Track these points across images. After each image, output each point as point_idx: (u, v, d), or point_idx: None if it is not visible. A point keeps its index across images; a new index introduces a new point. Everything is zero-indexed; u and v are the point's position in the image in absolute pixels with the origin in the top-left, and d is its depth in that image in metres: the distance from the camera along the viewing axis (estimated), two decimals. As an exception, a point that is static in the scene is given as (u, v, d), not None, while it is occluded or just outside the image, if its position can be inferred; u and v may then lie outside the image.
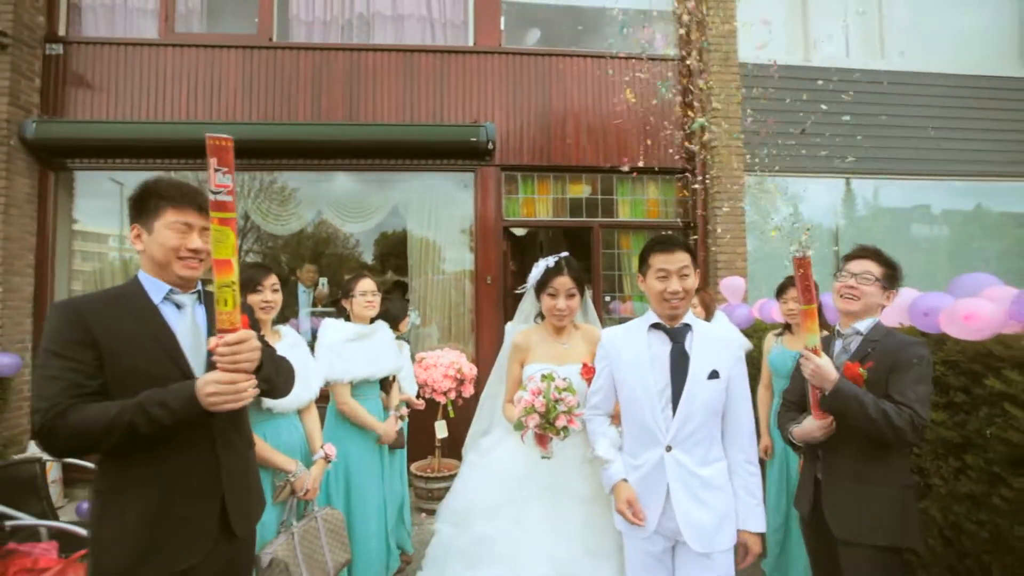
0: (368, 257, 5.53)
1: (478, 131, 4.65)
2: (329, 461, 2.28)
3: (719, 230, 4.95)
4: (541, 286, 2.15)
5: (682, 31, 5.22)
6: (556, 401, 1.80)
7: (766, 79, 5.11)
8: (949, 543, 2.15)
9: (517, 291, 2.42)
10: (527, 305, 2.34)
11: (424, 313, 5.07)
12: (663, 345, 1.74)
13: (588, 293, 2.33)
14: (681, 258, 1.72)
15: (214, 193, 1.20)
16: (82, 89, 4.70)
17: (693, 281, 1.73)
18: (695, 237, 5.12)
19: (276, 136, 4.61)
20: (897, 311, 2.36)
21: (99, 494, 1.33)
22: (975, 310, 2.00)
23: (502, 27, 5.16)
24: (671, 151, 5.12)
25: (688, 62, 5.17)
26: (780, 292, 2.94)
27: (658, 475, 1.69)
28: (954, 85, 5.69)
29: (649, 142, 5.09)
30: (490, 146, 4.73)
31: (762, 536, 1.73)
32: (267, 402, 2.05)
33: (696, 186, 5.04)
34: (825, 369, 1.68)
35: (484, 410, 2.41)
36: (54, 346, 1.27)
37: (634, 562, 1.77)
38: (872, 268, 1.81)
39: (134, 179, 4.68)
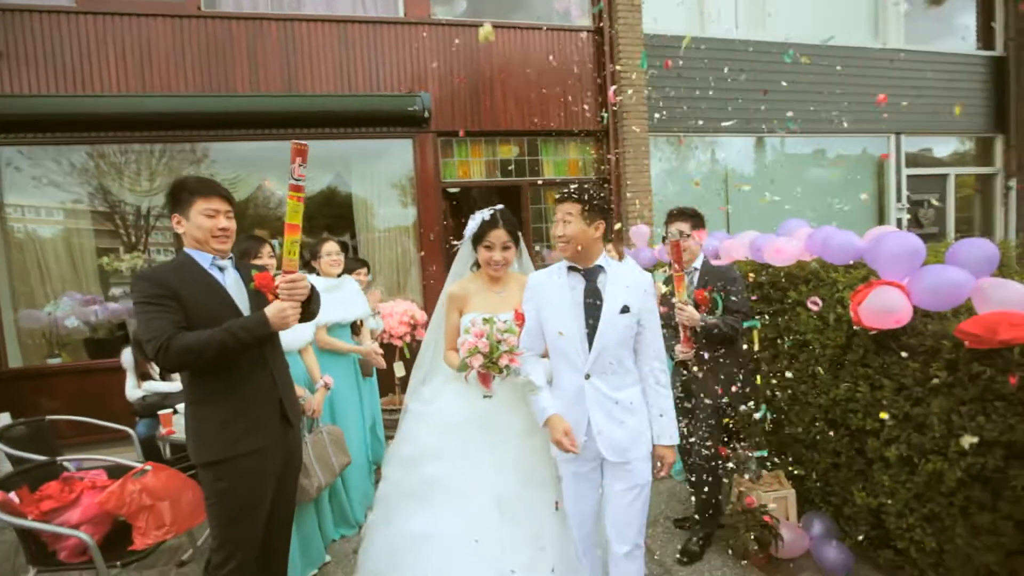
0: (317, 220, 5.87)
1: (414, 100, 5.07)
2: (328, 389, 2.89)
3: (628, 182, 5.78)
4: (477, 238, 2.20)
5: (594, 10, 5.78)
6: (498, 342, 1.90)
7: (668, 48, 5.85)
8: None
9: (453, 244, 2.58)
10: (464, 256, 2.38)
11: (373, 270, 5.56)
12: (578, 284, 1.90)
13: (522, 244, 2.43)
14: (566, 208, 1.89)
15: (295, 180, 1.71)
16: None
17: (577, 227, 1.86)
18: (594, 192, 5.91)
19: (216, 108, 4.77)
20: (740, 246, 3.26)
21: (193, 403, 1.89)
22: (783, 245, 2.90)
23: (430, -3, 5.48)
24: (588, 115, 5.80)
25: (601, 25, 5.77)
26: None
27: (580, 400, 1.88)
28: (819, 54, 6.72)
29: (570, 104, 5.72)
30: (426, 114, 5.17)
31: (674, 448, 1.96)
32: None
33: (611, 157, 5.78)
34: (693, 315, 2.51)
35: (424, 360, 2.46)
36: (151, 299, 1.76)
37: (568, 483, 1.97)
38: (684, 227, 2.71)
39: (47, 153, 4.72)
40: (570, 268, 1.94)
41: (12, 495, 2.23)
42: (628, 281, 1.90)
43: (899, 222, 7.30)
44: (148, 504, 2.35)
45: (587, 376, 1.87)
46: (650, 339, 1.92)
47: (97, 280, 5.12)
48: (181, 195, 1.91)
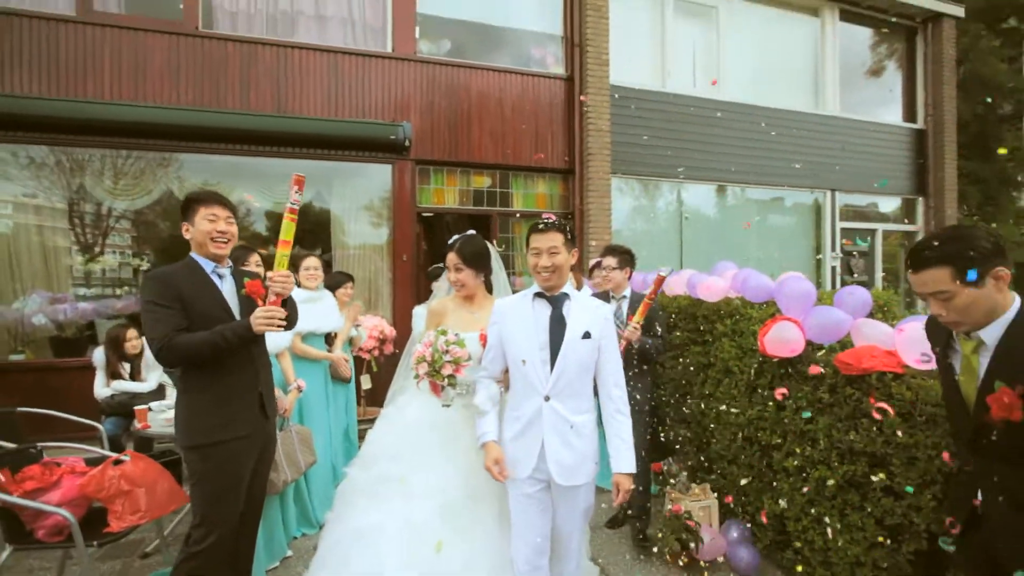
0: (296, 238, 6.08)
1: (397, 129, 5.45)
2: (301, 391, 3.13)
3: (591, 219, 6.27)
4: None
5: (566, 57, 6.36)
6: (443, 352, 2.01)
7: (632, 100, 6.46)
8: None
9: (429, 270, 2.90)
10: (444, 282, 2.60)
11: (346, 285, 5.81)
12: (544, 310, 1.97)
13: (503, 271, 2.63)
14: (551, 238, 1.95)
15: (292, 204, 2.04)
16: (-9, 59, 4.72)
17: (563, 258, 1.95)
18: (570, 224, 6.39)
19: (207, 122, 5.02)
20: (680, 283, 3.72)
21: (184, 392, 2.13)
22: (713, 283, 3.36)
23: (417, 36, 5.93)
24: (557, 155, 6.30)
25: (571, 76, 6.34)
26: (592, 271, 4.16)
27: (537, 422, 1.92)
28: (764, 116, 7.50)
29: (541, 143, 6.22)
30: (407, 143, 5.55)
31: (632, 475, 1.97)
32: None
33: (576, 205, 6.28)
34: (636, 334, 2.92)
35: (401, 372, 2.65)
36: (159, 300, 2.01)
37: (515, 503, 2.00)
38: (612, 262, 3.17)
39: (32, 152, 4.85)
40: (537, 295, 2.00)
41: (-2, 474, 2.37)
42: (590, 308, 1.99)
43: (833, 270, 8.06)
44: (126, 489, 2.52)
45: (547, 398, 1.92)
46: (610, 367, 1.98)
47: (68, 280, 5.18)
48: (188, 205, 2.19)
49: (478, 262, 2.39)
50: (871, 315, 2.79)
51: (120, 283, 5.41)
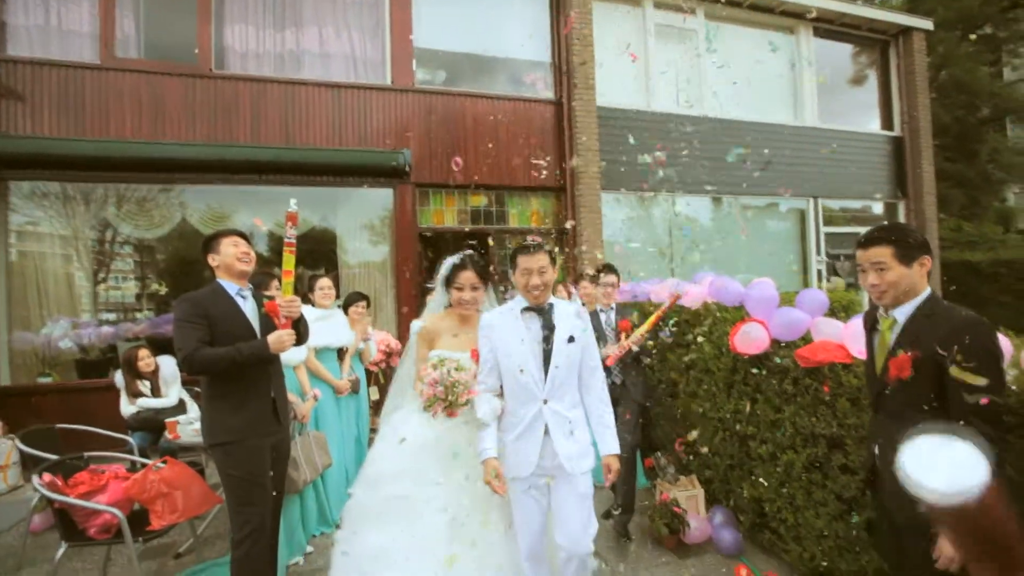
0: (304, 255, 6.41)
1: (397, 156, 5.81)
2: (317, 400, 3.43)
3: (583, 234, 6.60)
4: (449, 280, 2.41)
5: (555, 83, 6.76)
6: (454, 384, 2.09)
7: (618, 119, 6.84)
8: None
9: (428, 285, 3.06)
10: (437, 298, 2.57)
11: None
12: (534, 323, 2.13)
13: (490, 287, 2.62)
14: (540, 259, 2.11)
15: (288, 237, 2.37)
16: (19, 105, 5.10)
17: (551, 276, 2.13)
18: (550, 244, 6.73)
19: (222, 156, 5.38)
20: (664, 292, 4.03)
21: (208, 399, 2.44)
22: (690, 290, 3.67)
23: (414, 67, 6.33)
24: (549, 174, 6.66)
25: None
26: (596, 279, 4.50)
27: (538, 424, 2.08)
28: (746, 130, 7.88)
29: (534, 164, 6.59)
30: (407, 168, 5.91)
31: (619, 456, 2.19)
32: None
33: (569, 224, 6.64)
34: (639, 340, 3.25)
35: (395, 389, 2.64)
36: (188, 318, 2.33)
37: (517, 502, 2.14)
38: (613, 280, 3.51)
39: (70, 190, 5.21)
40: (525, 309, 2.15)
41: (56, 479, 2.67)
42: (570, 315, 2.16)
43: (819, 273, 8.38)
44: (165, 492, 2.81)
45: (545, 401, 2.09)
46: (592, 363, 2.20)
47: (92, 305, 5.51)
48: (211, 241, 2.55)
49: (486, 278, 2.46)
50: (833, 315, 3.10)
51: (138, 308, 5.74)
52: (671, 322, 3.64)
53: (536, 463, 2.08)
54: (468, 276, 2.38)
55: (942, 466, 0.61)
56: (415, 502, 2.18)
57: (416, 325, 2.58)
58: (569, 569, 2.11)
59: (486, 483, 2.04)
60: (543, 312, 2.14)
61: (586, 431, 2.17)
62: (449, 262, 2.47)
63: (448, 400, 2.11)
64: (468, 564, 2.09)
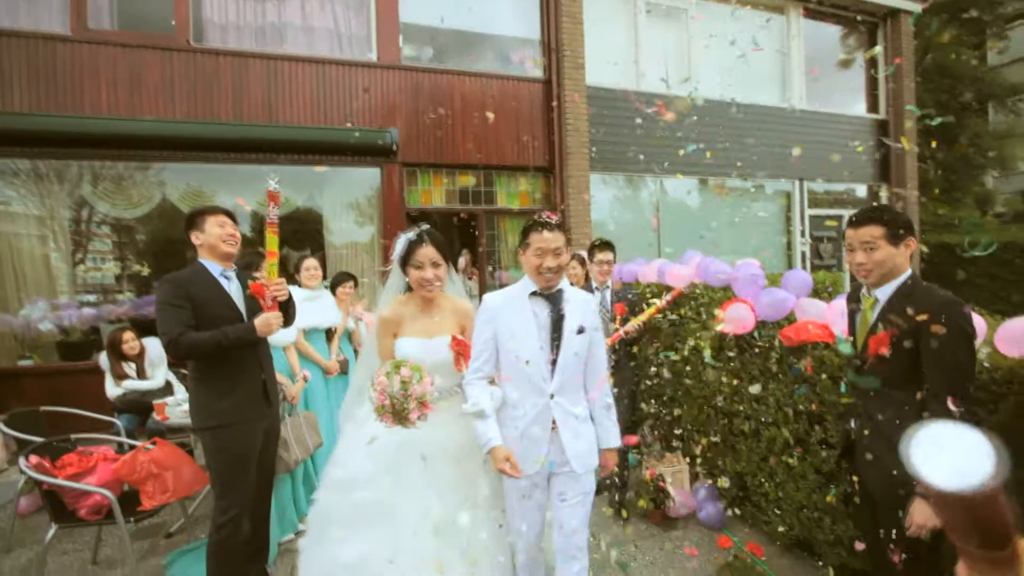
0: (290, 235, 6.32)
1: (384, 135, 5.72)
2: (306, 381, 3.43)
3: (571, 214, 6.60)
4: (405, 259, 2.15)
5: (544, 61, 6.67)
6: (405, 397, 1.86)
7: (606, 99, 6.79)
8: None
9: (380, 269, 2.71)
10: (394, 281, 2.31)
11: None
12: (543, 309, 1.95)
13: (452, 267, 2.34)
14: (557, 238, 1.91)
15: (271, 218, 2.33)
16: (-11, 77, 4.90)
17: (566, 258, 1.95)
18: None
19: (203, 134, 5.25)
20: (651, 271, 4.06)
21: (195, 380, 2.41)
22: (679, 271, 3.71)
23: (401, 44, 6.19)
24: (537, 153, 6.62)
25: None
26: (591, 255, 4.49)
27: (544, 418, 1.93)
28: (735, 110, 7.88)
29: (522, 143, 6.53)
30: (394, 147, 5.82)
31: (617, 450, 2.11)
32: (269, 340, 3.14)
33: (557, 197, 6.62)
34: (637, 326, 3.29)
35: (357, 381, 2.43)
36: (170, 300, 2.28)
37: (514, 502, 2.00)
38: (609, 257, 3.49)
39: (42, 167, 5.06)
40: (533, 294, 1.97)
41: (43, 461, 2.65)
42: (580, 302, 1.99)
43: (803, 255, 8.50)
44: (155, 472, 2.81)
45: (552, 396, 1.93)
46: (599, 356, 2.05)
47: (71, 287, 5.39)
48: (195, 217, 2.46)
49: (447, 254, 2.20)
50: (816, 295, 3.17)
51: (119, 290, 5.63)
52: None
53: (543, 461, 1.96)
54: (427, 252, 2.11)
55: (950, 455, 0.63)
56: (389, 507, 1.99)
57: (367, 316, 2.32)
58: (570, 570, 1.98)
59: (498, 470, 1.87)
60: (553, 298, 1.96)
61: (591, 426, 2.06)
62: (404, 238, 2.19)
63: (396, 414, 1.90)
64: (458, 568, 1.93)
